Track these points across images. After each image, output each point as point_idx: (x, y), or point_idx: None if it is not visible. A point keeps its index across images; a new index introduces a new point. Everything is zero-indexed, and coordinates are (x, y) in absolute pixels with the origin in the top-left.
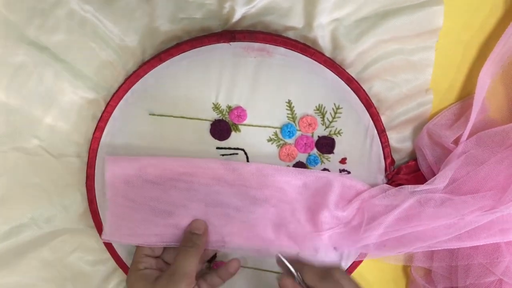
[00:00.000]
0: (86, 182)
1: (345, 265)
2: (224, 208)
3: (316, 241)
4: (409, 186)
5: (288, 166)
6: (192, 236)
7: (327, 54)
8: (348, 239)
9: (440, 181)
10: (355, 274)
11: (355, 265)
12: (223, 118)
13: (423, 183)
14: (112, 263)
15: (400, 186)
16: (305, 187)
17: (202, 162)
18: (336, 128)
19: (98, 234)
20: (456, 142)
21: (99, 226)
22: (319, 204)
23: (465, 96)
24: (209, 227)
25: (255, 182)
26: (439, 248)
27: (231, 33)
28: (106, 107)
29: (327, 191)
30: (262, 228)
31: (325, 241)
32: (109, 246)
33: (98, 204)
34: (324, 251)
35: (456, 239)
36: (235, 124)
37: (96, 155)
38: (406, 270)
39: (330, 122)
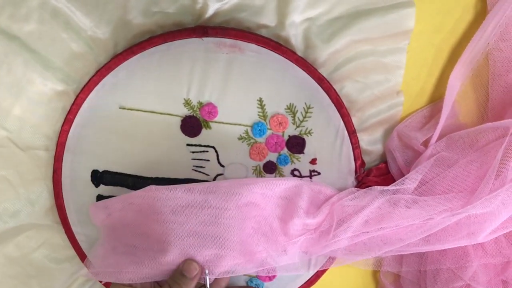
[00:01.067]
0: (53, 176)
1: (312, 272)
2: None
3: (286, 246)
4: (378, 187)
5: (259, 165)
6: (182, 277)
7: (299, 53)
8: (318, 245)
9: (409, 182)
10: (322, 281)
11: (321, 272)
12: (194, 115)
13: None
14: (77, 260)
15: (369, 187)
16: (280, 197)
17: (166, 193)
18: (307, 128)
19: (64, 230)
20: (426, 144)
21: (65, 222)
22: (290, 212)
23: (436, 99)
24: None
25: (227, 203)
26: (408, 252)
27: (203, 28)
28: (75, 100)
29: (297, 199)
30: (244, 246)
31: (295, 247)
32: (75, 243)
33: (64, 200)
34: (293, 253)
35: (425, 243)
36: (206, 121)
37: (64, 149)
38: (376, 276)
39: (301, 122)
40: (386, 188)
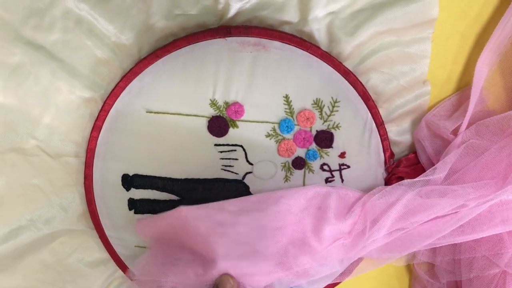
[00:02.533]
0: (84, 182)
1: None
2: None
3: (323, 255)
4: (406, 180)
5: (287, 161)
6: None
7: (323, 47)
8: (354, 249)
9: (439, 172)
10: (356, 271)
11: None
12: (221, 114)
13: None
14: (112, 264)
15: (398, 182)
16: (308, 207)
17: (197, 213)
18: (334, 122)
19: (97, 235)
20: (455, 132)
21: (98, 227)
22: (320, 220)
23: (463, 87)
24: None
25: (258, 219)
26: (443, 244)
27: (226, 29)
28: (103, 106)
29: (325, 206)
30: (281, 258)
31: (332, 255)
32: (109, 247)
33: (97, 204)
34: (332, 263)
35: (459, 233)
36: (233, 120)
37: (94, 155)
38: (409, 265)
39: (328, 116)
40: (415, 180)
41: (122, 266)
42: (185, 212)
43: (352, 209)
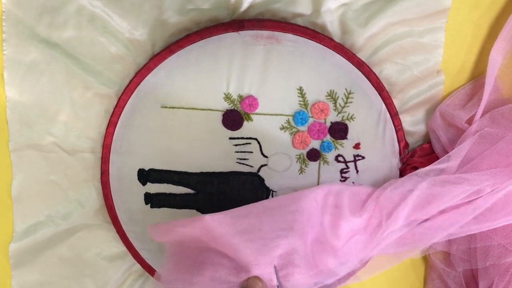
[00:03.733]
0: (101, 178)
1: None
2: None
3: (342, 256)
4: (420, 170)
5: (302, 153)
6: None
7: (336, 39)
8: (371, 243)
9: (453, 159)
10: (376, 268)
11: None
12: (235, 108)
13: None
14: (130, 257)
15: (411, 173)
16: (323, 205)
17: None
18: (349, 113)
19: (114, 229)
20: (470, 122)
21: (115, 221)
22: (336, 217)
23: (477, 76)
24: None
25: (281, 222)
26: (459, 235)
27: (239, 22)
28: (118, 102)
29: (340, 203)
30: (308, 259)
31: (350, 252)
32: (126, 241)
33: (113, 199)
34: (352, 260)
35: (475, 222)
36: (247, 113)
37: (110, 150)
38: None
39: (343, 108)
40: (429, 168)
41: (140, 260)
42: (209, 220)
43: (366, 204)
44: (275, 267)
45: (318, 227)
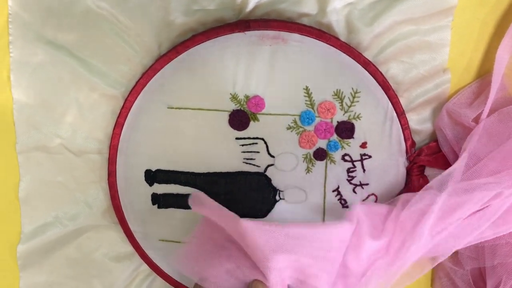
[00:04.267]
0: (108, 179)
1: None
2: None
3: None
4: (433, 181)
5: (309, 153)
6: None
7: (343, 38)
8: (394, 263)
9: (462, 159)
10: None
11: None
12: (241, 108)
13: (444, 164)
14: (137, 258)
15: (424, 187)
16: (341, 236)
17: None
18: (355, 113)
19: (122, 230)
20: (477, 120)
21: (123, 222)
22: (357, 245)
23: (484, 74)
24: None
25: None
26: (479, 241)
27: (245, 23)
28: (124, 103)
29: (358, 230)
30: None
31: (372, 279)
32: (133, 241)
33: (120, 200)
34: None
35: (492, 227)
36: (254, 113)
37: (116, 152)
38: None
39: (349, 107)
40: (440, 176)
41: (147, 260)
42: (247, 225)
43: (386, 225)
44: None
45: (338, 259)
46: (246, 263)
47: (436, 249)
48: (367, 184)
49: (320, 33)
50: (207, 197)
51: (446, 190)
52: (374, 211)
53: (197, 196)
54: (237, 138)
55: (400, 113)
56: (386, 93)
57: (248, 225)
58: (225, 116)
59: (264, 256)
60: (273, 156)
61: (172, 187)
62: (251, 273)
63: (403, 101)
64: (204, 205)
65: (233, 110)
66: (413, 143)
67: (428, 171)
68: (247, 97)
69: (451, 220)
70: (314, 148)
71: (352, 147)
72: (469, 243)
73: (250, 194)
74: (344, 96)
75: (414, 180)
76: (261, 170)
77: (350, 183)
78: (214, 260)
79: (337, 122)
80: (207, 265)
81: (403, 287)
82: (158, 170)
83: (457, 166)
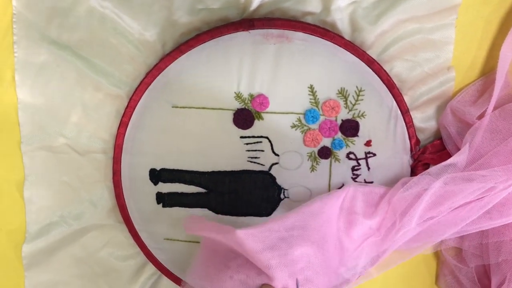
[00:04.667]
0: (113, 178)
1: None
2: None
3: (353, 259)
4: (433, 167)
5: (313, 151)
6: None
7: (347, 37)
8: (384, 244)
9: (464, 154)
10: (386, 265)
11: None
12: (246, 107)
13: None
14: (142, 257)
15: (423, 172)
16: (338, 209)
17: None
18: (360, 111)
19: (127, 229)
20: (481, 118)
21: (127, 221)
22: (350, 221)
23: (488, 72)
24: None
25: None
26: (471, 231)
27: (249, 21)
28: (129, 102)
29: (353, 206)
30: (329, 268)
31: (361, 254)
32: (138, 240)
33: (125, 199)
34: (365, 262)
35: (487, 219)
36: (258, 112)
37: (121, 151)
38: (437, 250)
39: (353, 105)
40: (441, 165)
41: (152, 259)
42: (242, 234)
43: (379, 205)
44: (297, 280)
45: (335, 232)
46: (252, 271)
47: (425, 233)
48: (371, 182)
49: (324, 31)
50: (199, 217)
51: (443, 178)
52: (369, 190)
53: (189, 219)
54: (241, 137)
55: (405, 111)
56: (390, 91)
57: (242, 233)
58: (230, 115)
59: (264, 257)
60: (277, 155)
61: (177, 186)
62: (259, 279)
63: (407, 99)
64: (198, 225)
65: (238, 109)
66: (418, 141)
67: None
68: (251, 95)
69: (442, 208)
70: (318, 147)
71: (357, 145)
72: (463, 232)
73: (254, 192)
74: (349, 95)
75: None
76: (265, 168)
77: (355, 181)
78: (225, 274)
79: (342, 120)
80: (220, 280)
81: (403, 260)
82: (163, 169)
83: (458, 159)
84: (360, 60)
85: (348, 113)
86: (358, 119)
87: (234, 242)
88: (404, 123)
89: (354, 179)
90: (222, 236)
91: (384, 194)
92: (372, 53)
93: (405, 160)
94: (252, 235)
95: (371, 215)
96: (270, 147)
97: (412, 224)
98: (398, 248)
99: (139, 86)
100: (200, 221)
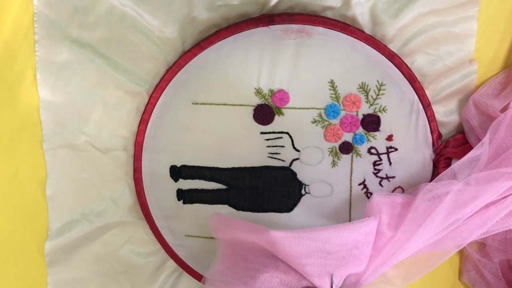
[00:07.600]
0: (134, 175)
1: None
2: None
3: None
4: (455, 164)
5: (334, 146)
6: None
7: (367, 31)
8: (408, 250)
9: (486, 145)
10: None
11: None
12: (266, 103)
13: None
14: (163, 253)
15: (445, 171)
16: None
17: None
18: (381, 105)
19: (148, 226)
20: (504, 111)
21: (148, 218)
22: (378, 241)
23: (511, 64)
24: None
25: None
26: (497, 231)
27: (269, 17)
28: (149, 99)
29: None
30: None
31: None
32: (159, 237)
33: (146, 196)
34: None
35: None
36: (278, 107)
37: (142, 148)
38: None
39: (374, 100)
40: (463, 160)
41: (173, 255)
42: (276, 236)
43: (402, 215)
44: (331, 276)
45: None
46: (295, 274)
47: (449, 237)
48: (393, 177)
49: (345, 26)
50: (224, 216)
51: (463, 180)
52: (394, 202)
53: (214, 220)
54: (262, 133)
55: (426, 105)
56: (411, 85)
57: (278, 235)
58: (250, 111)
59: (300, 263)
60: (298, 150)
61: (197, 182)
62: (300, 282)
63: (429, 93)
64: (226, 227)
65: (258, 104)
66: (440, 135)
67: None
68: (271, 91)
69: (465, 211)
70: (339, 142)
71: (378, 140)
72: (488, 233)
73: (275, 188)
74: (370, 89)
75: (440, 172)
76: (286, 164)
77: (377, 176)
78: (263, 274)
79: (363, 115)
80: (253, 278)
81: (429, 270)
82: (183, 166)
83: (481, 151)
84: (381, 54)
85: (369, 107)
86: (379, 114)
87: (266, 242)
88: (426, 117)
89: (375, 174)
90: (254, 236)
91: (407, 204)
92: (393, 47)
93: (427, 154)
94: (287, 238)
95: (395, 226)
96: (290, 143)
97: (434, 231)
98: (423, 252)
99: (159, 83)
100: (227, 221)
